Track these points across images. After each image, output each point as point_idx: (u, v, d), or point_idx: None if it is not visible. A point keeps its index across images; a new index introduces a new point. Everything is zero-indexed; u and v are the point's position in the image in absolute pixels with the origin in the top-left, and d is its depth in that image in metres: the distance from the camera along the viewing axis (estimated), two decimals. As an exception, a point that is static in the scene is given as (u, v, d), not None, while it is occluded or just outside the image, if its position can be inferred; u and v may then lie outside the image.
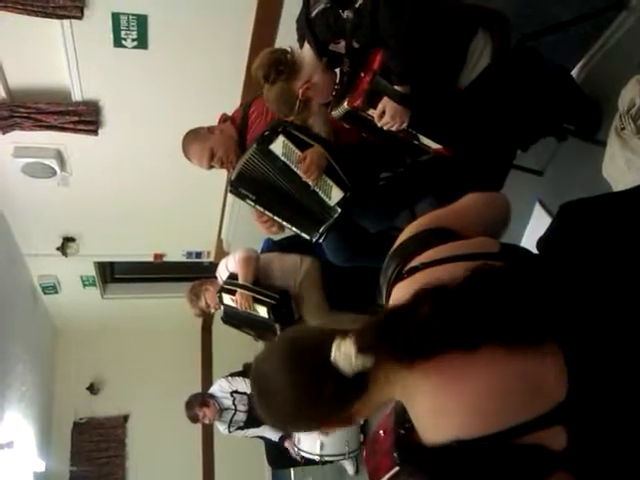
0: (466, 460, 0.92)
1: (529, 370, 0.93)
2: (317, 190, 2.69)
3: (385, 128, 2.21)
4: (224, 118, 3.02)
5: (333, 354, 0.98)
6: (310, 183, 2.66)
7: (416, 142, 2.36)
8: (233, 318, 3.76)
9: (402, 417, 1.05)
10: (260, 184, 2.75)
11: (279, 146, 2.64)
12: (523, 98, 2.26)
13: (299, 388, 1.02)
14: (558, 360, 0.94)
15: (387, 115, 2.15)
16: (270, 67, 2.32)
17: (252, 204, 2.84)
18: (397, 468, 1.27)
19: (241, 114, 2.91)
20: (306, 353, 1.04)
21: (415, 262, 1.09)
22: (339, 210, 2.70)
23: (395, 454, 1.05)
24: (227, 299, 3.56)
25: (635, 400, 0.96)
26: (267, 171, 2.70)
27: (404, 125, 2.19)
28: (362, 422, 4.31)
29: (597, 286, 1.02)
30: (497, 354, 0.93)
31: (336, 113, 2.35)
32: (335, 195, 2.69)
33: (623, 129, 1.91)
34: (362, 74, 2.19)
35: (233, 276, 3.60)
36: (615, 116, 2.01)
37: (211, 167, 2.98)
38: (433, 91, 2.17)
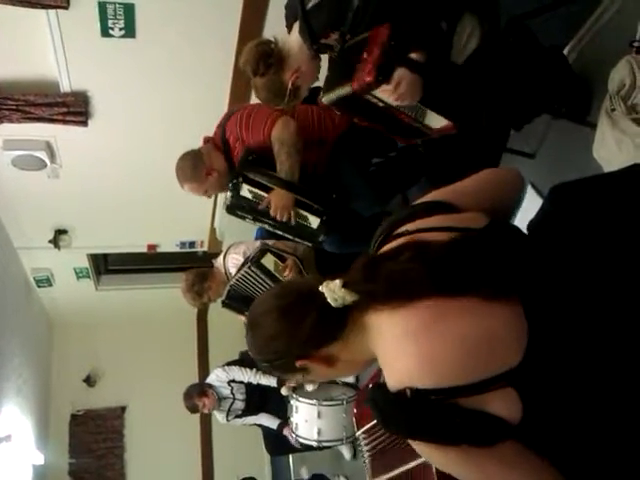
0: (415, 409, 0.97)
1: (488, 327, 0.98)
2: (298, 221, 2.80)
3: (399, 101, 2.10)
4: (206, 140, 2.97)
5: (321, 287, 1.10)
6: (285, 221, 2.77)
7: (418, 124, 2.31)
8: (237, 301, 3.58)
9: None
10: (253, 212, 2.85)
11: (247, 192, 2.75)
12: (516, 77, 2.24)
13: (283, 314, 1.12)
14: (520, 324, 0.98)
15: (402, 86, 2.03)
16: (258, 61, 2.31)
17: (252, 223, 3.00)
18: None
19: (220, 139, 2.86)
20: (295, 286, 1.20)
21: (402, 228, 1.16)
22: (322, 235, 2.84)
23: (366, 396, 1.11)
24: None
25: (592, 372, 0.98)
26: (250, 211, 2.83)
27: (417, 99, 2.10)
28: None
29: (575, 261, 1.05)
30: (461, 307, 0.99)
31: (327, 99, 2.33)
32: (313, 222, 2.79)
33: (613, 110, 1.91)
34: (364, 55, 2.11)
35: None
36: (605, 97, 2.01)
37: None
38: (439, 63, 2.11)
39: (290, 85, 2.33)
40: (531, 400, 0.95)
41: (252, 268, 3.33)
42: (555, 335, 0.98)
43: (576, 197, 1.18)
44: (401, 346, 1.01)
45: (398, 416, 1.00)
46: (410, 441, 1.03)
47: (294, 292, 1.16)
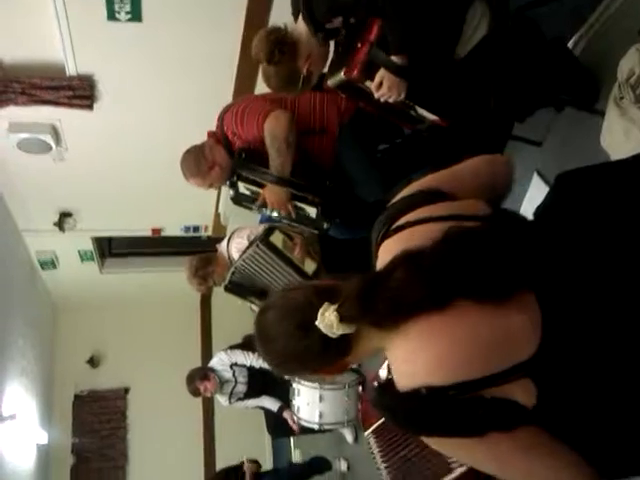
0: (431, 406, 0.97)
1: (500, 324, 0.97)
2: (299, 212, 2.85)
3: (382, 100, 2.22)
4: (210, 134, 2.99)
5: (317, 321, 1.05)
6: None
7: (413, 112, 2.37)
8: (240, 285, 3.60)
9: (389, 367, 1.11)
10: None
11: (244, 189, 2.83)
12: (520, 69, 2.26)
13: (292, 340, 1.10)
14: (533, 314, 0.98)
15: (384, 86, 2.16)
16: (273, 49, 2.32)
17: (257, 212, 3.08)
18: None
19: (220, 132, 2.90)
20: (297, 312, 1.11)
21: (402, 221, 1.14)
22: (325, 223, 2.88)
23: (373, 398, 1.12)
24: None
25: (605, 358, 0.99)
26: (253, 203, 2.90)
27: (401, 97, 2.19)
28: (360, 390, 4.36)
29: (584, 249, 1.05)
30: (469, 309, 0.98)
31: (332, 83, 2.36)
32: (311, 212, 2.84)
33: (622, 98, 1.92)
34: (359, 44, 2.19)
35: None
36: (614, 85, 2.01)
37: None
38: (430, 62, 2.17)
39: (304, 72, 2.36)
40: (545, 385, 0.96)
41: (260, 246, 3.31)
42: (568, 323, 0.99)
43: (584, 184, 1.18)
44: (411, 348, 1.01)
45: (413, 415, 1.00)
46: (425, 438, 1.03)
47: (293, 316, 1.11)
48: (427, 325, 0.99)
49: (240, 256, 3.44)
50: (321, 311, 1.05)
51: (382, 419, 1.31)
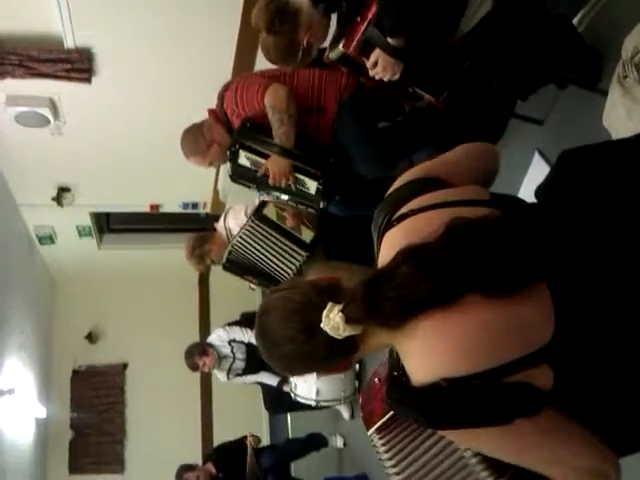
0: (455, 398, 0.95)
1: (513, 313, 0.96)
2: (298, 187, 2.85)
3: (376, 78, 2.22)
4: (210, 112, 2.99)
5: (323, 323, 1.03)
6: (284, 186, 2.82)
7: (411, 89, 2.36)
8: (237, 264, 3.58)
9: (396, 363, 1.09)
10: (255, 181, 2.94)
11: (245, 160, 2.82)
12: (524, 45, 2.23)
13: (297, 343, 1.07)
14: (546, 301, 0.97)
15: (379, 66, 2.15)
16: (273, 17, 2.30)
17: (256, 191, 3.12)
18: (391, 413, 1.30)
19: (219, 110, 2.90)
20: (299, 314, 1.08)
21: (404, 209, 1.12)
22: (321, 200, 2.88)
23: (386, 396, 1.09)
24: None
25: (618, 339, 0.99)
26: (252, 180, 2.93)
27: (396, 77, 2.18)
28: (357, 368, 4.39)
29: (589, 231, 1.04)
30: (478, 301, 0.96)
31: (333, 55, 2.34)
32: (311, 186, 2.83)
33: (626, 77, 1.89)
34: (358, 19, 2.15)
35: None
36: (618, 64, 1.99)
37: None
38: (428, 43, 2.15)
39: (304, 43, 2.34)
40: (561, 368, 0.96)
41: (255, 221, 3.33)
42: (580, 307, 0.99)
43: (586, 164, 1.17)
44: (423, 344, 0.99)
45: (434, 408, 0.98)
46: (448, 431, 1.02)
47: (295, 319, 1.08)
48: (438, 319, 0.97)
49: (238, 232, 3.43)
50: (325, 312, 1.03)
51: (386, 416, 1.30)
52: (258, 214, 3.36)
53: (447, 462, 1.16)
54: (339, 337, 1.03)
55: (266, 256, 3.35)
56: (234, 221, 3.68)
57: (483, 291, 0.96)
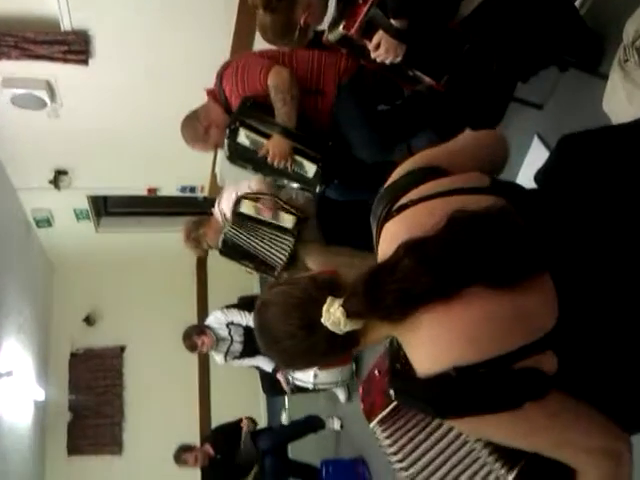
0: (465, 386, 0.96)
1: (516, 302, 0.96)
2: (295, 169, 2.83)
3: (378, 60, 2.20)
4: (208, 92, 2.97)
5: (323, 318, 1.03)
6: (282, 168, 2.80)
7: (411, 73, 2.35)
8: (233, 249, 3.59)
9: (397, 354, 1.10)
10: (252, 161, 2.89)
11: (244, 138, 2.78)
12: (525, 27, 2.22)
13: (297, 339, 1.07)
14: (549, 291, 0.97)
15: (382, 48, 2.13)
16: None
17: (252, 173, 3.05)
18: (393, 405, 1.29)
19: (218, 91, 2.87)
20: (299, 309, 1.07)
21: (404, 199, 1.10)
22: (318, 184, 2.86)
23: (390, 389, 1.09)
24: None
25: (621, 325, 1.00)
26: (250, 160, 2.87)
27: (398, 59, 2.17)
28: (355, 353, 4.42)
29: (590, 217, 1.04)
30: (483, 292, 0.96)
31: (332, 37, 2.32)
32: (310, 169, 2.81)
33: (626, 61, 1.88)
34: (360, 0, 2.14)
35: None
36: (619, 48, 1.98)
37: None
38: (430, 26, 2.13)
39: (301, 23, 2.32)
40: (565, 352, 0.97)
41: (235, 222, 3.39)
42: (582, 292, 0.99)
43: (586, 149, 1.17)
44: (429, 334, 0.99)
45: (443, 397, 0.98)
46: (456, 420, 1.02)
47: (295, 315, 1.07)
48: (442, 312, 0.97)
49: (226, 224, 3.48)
50: (326, 307, 1.02)
51: (388, 408, 1.29)
52: (235, 214, 3.41)
53: (455, 457, 1.16)
54: (340, 332, 1.02)
55: (258, 244, 3.39)
56: (227, 204, 3.69)
57: (486, 283, 0.96)
